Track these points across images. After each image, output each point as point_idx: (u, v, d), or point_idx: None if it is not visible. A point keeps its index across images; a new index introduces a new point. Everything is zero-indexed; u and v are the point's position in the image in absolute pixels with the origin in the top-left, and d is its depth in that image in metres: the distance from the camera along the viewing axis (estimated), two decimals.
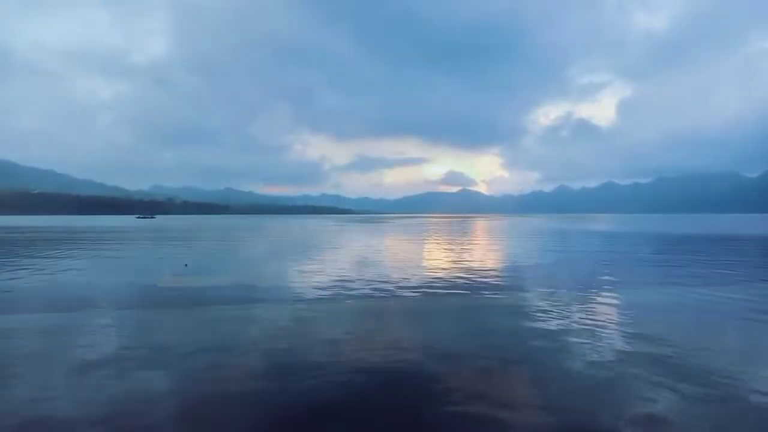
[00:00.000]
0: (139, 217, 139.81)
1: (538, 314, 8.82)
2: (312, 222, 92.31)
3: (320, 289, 11.76)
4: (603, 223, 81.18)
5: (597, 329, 7.66)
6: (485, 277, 13.88)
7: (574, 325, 7.98)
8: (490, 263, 17.99)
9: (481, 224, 74.65)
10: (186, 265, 17.12)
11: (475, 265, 17.16)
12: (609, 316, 8.69)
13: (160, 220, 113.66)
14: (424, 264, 17.96)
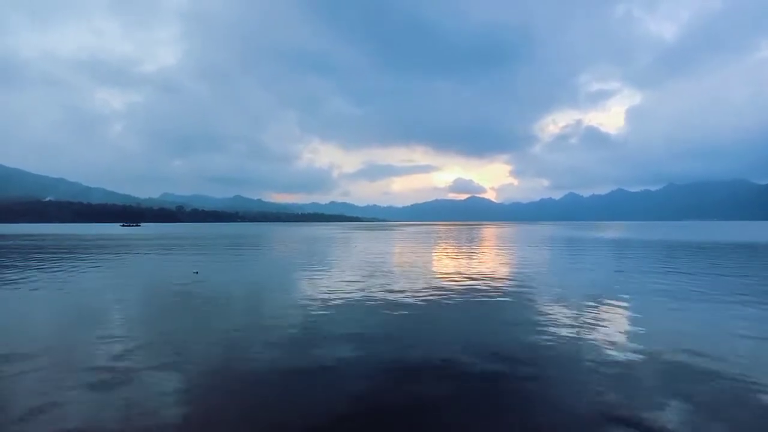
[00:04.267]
0: (123, 225, 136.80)
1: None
2: (321, 230, 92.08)
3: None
4: (624, 231, 79.57)
5: None
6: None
7: None
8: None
9: (495, 232, 73.60)
10: (196, 272, 16.51)
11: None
12: None
13: (145, 228, 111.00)
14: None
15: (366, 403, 5.05)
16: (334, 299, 11.16)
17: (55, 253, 27.50)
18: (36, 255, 25.80)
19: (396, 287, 13.08)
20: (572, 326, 8.40)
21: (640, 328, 8.26)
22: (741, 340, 7.50)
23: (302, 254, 26.36)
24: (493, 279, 14.96)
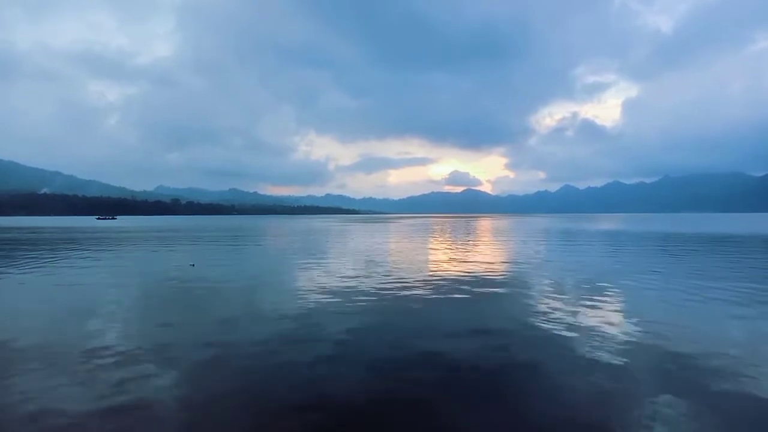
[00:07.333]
0: (99, 218, 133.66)
1: None
2: (318, 223, 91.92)
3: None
4: (618, 223, 79.85)
5: None
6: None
7: None
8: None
9: (491, 224, 73.78)
10: (192, 264, 16.62)
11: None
12: None
13: (122, 221, 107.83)
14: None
15: (363, 393, 5.08)
16: (330, 291, 11.30)
17: (43, 245, 27.48)
18: (26, 248, 25.80)
19: (392, 278, 13.26)
20: (566, 315, 8.59)
21: (633, 317, 8.45)
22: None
23: (298, 247, 26.47)
24: (488, 270, 15.16)
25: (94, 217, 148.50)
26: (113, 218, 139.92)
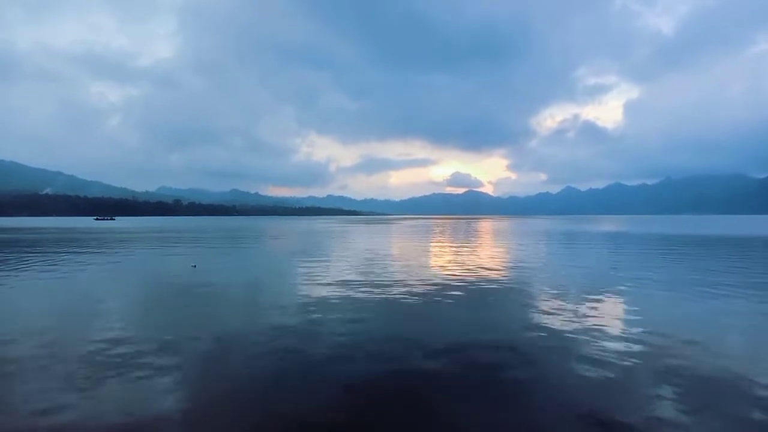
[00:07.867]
0: (97, 219, 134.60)
1: None
2: (319, 224, 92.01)
3: None
4: (619, 225, 79.66)
5: None
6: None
7: None
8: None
9: (492, 226, 73.77)
10: (194, 266, 16.68)
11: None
12: None
13: (120, 222, 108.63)
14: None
15: (363, 394, 5.12)
16: (331, 293, 11.31)
17: (40, 247, 27.56)
18: (29, 249, 25.88)
19: (392, 281, 13.27)
20: (564, 318, 8.61)
21: (632, 321, 8.49)
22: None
23: (299, 248, 26.51)
24: (489, 271, 15.23)
25: (92, 218, 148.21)
26: (112, 219, 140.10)
